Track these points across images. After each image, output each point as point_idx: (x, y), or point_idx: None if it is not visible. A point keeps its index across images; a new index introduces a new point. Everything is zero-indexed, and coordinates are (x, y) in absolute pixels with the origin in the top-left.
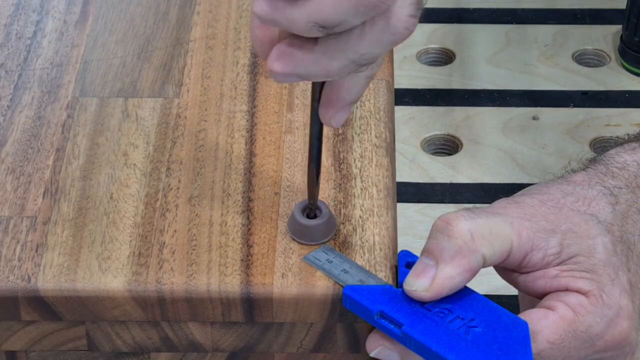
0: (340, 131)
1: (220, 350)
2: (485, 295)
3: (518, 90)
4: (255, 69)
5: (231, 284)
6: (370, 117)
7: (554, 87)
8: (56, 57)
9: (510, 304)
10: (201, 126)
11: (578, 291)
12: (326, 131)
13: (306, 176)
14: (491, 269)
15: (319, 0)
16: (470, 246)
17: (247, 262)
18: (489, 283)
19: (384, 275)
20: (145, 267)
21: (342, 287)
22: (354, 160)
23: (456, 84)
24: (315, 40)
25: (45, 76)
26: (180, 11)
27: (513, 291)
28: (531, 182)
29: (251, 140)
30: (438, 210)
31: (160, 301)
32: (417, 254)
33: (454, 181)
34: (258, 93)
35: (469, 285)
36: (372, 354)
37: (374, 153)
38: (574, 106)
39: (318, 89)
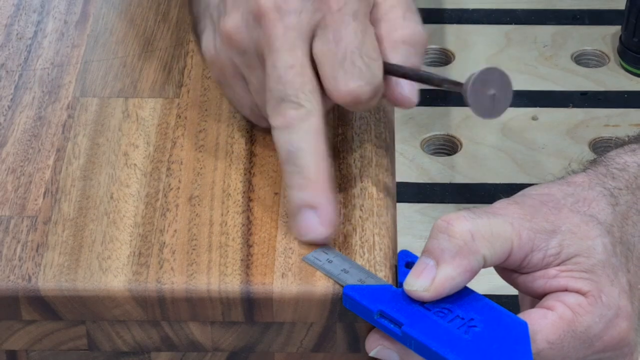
0: (340, 131)
1: (220, 350)
2: (485, 295)
3: (517, 91)
4: None
5: (231, 283)
6: (370, 117)
7: (553, 87)
8: (57, 58)
9: (510, 303)
10: (201, 126)
11: (577, 291)
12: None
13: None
14: (491, 269)
15: None
16: (471, 247)
17: (247, 262)
18: (488, 283)
19: (384, 275)
20: (146, 266)
21: (342, 286)
22: (354, 160)
23: None
24: None
25: (46, 76)
26: (181, 11)
27: (513, 291)
28: (531, 183)
29: (251, 140)
30: (438, 210)
31: (161, 301)
32: (417, 254)
33: (454, 181)
34: None
35: (469, 285)
36: (371, 354)
37: (373, 153)
38: (573, 106)
39: None
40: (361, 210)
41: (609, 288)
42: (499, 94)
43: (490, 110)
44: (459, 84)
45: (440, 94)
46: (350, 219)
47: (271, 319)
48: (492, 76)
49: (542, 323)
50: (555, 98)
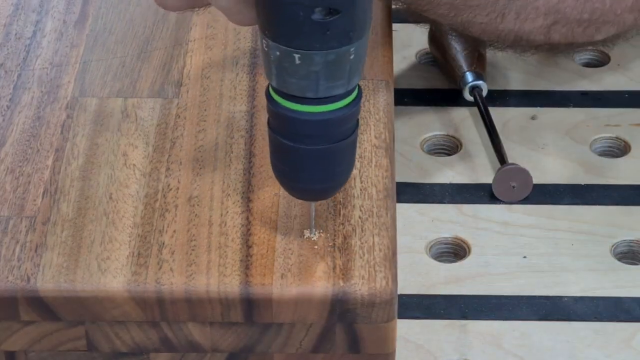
0: None
1: (219, 351)
2: (485, 296)
3: (517, 90)
4: (254, 69)
5: (230, 284)
6: (369, 117)
7: (553, 87)
8: (55, 57)
9: (509, 304)
10: (201, 126)
11: None
12: None
13: None
14: (492, 270)
15: None
16: None
17: (246, 263)
18: (488, 284)
19: (383, 276)
20: (145, 267)
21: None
22: None
23: (456, 84)
24: None
25: (45, 76)
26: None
27: (512, 291)
28: None
29: (251, 141)
30: (438, 211)
31: (160, 301)
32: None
33: (454, 181)
34: (258, 93)
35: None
36: None
37: (373, 153)
38: (573, 106)
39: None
40: (361, 210)
41: None
42: (518, 187)
43: (509, 195)
44: (502, 163)
45: (441, 94)
46: (350, 219)
47: (270, 319)
48: (519, 173)
49: None
50: (555, 98)
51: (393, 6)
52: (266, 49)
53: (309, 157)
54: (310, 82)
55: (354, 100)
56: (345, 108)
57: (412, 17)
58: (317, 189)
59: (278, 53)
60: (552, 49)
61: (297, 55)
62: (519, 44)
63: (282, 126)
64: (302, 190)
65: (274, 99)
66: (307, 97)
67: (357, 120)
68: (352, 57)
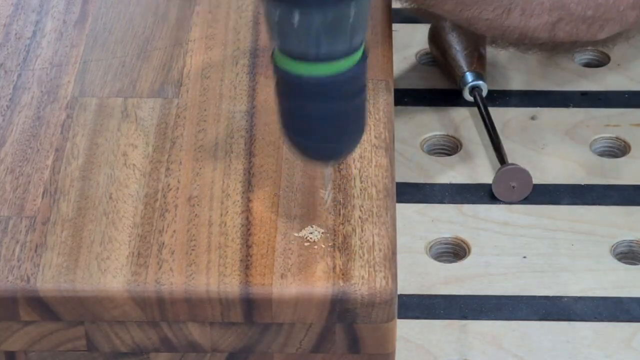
0: None
1: (219, 351)
2: (485, 296)
3: (517, 91)
4: (254, 69)
5: (230, 284)
6: (369, 117)
7: (553, 87)
8: (55, 57)
9: (509, 304)
10: (200, 126)
11: None
12: None
13: (306, 176)
14: (492, 270)
15: None
16: None
17: (246, 263)
18: (488, 284)
19: (384, 276)
20: (145, 267)
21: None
22: (353, 160)
23: (456, 84)
24: None
25: (45, 76)
26: (180, 11)
27: (512, 291)
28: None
29: (250, 141)
30: (438, 211)
31: (160, 301)
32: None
33: (454, 181)
34: (257, 93)
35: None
36: None
37: (373, 153)
38: (573, 106)
39: None
40: (361, 210)
41: None
42: (518, 187)
43: (509, 195)
44: (502, 163)
45: (441, 94)
46: (350, 219)
47: (270, 319)
48: (519, 173)
49: None
50: (555, 98)
51: (398, 5)
52: (269, 12)
53: (317, 116)
54: (310, 40)
55: (360, 59)
56: (353, 67)
57: (417, 14)
58: (327, 148)
59: (278, 13)
60: (555, 48)
61: (296, 13)
62: (523, 42)
63: (287, 88)
64: (314, 149)
65: (278, 62)
66: (310, 56)
67: (365, 82)
68: (353, 13)
